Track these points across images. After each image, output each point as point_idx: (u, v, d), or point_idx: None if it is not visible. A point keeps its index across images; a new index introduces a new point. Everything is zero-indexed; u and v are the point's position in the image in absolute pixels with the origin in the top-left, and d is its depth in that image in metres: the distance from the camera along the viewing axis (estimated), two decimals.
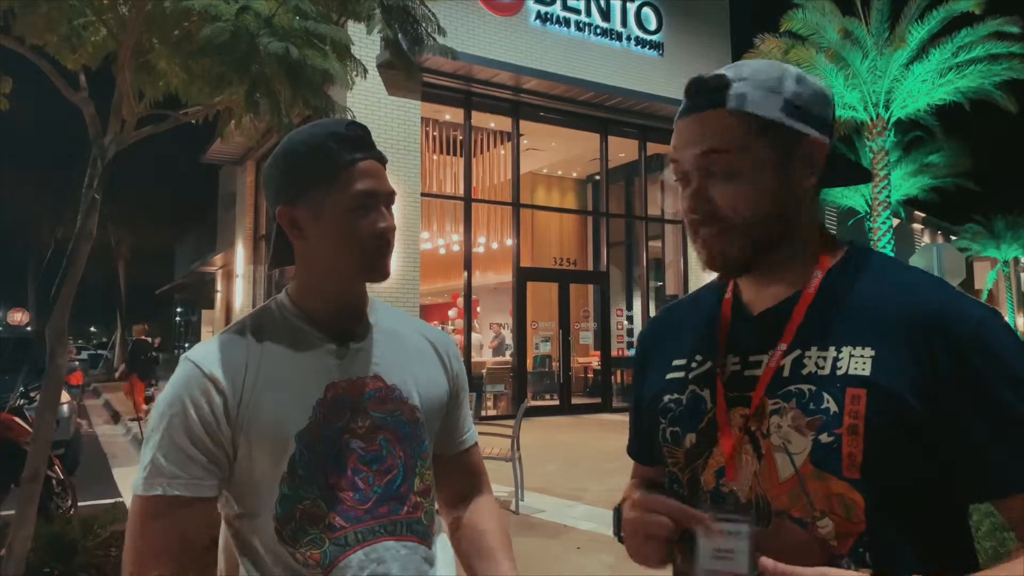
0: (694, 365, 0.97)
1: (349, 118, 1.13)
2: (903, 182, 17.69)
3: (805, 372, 0.85)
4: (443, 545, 1.19)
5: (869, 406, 0.80)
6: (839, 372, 0.83)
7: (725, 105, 0.88)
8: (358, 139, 1.08)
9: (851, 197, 18.22)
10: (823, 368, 0.84)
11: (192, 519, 1.01)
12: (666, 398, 0.99)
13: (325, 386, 1.08)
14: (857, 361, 0.83)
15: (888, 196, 12.93)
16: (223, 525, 1.11)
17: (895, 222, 13.98)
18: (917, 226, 28.13)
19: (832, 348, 0.85)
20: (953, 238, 29.32)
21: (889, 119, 12.88)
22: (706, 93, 0.89)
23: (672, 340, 1.04)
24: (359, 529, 1.05)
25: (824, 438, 0.81)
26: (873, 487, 0.80)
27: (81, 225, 3.64)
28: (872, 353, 0.82)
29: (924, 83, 12.50)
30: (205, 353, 1.08)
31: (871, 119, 12.89)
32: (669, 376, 1.00)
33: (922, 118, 13.54)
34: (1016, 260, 30.57)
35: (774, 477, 0.85)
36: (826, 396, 0.83)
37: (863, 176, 1.03)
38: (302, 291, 1.14)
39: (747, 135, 0.88)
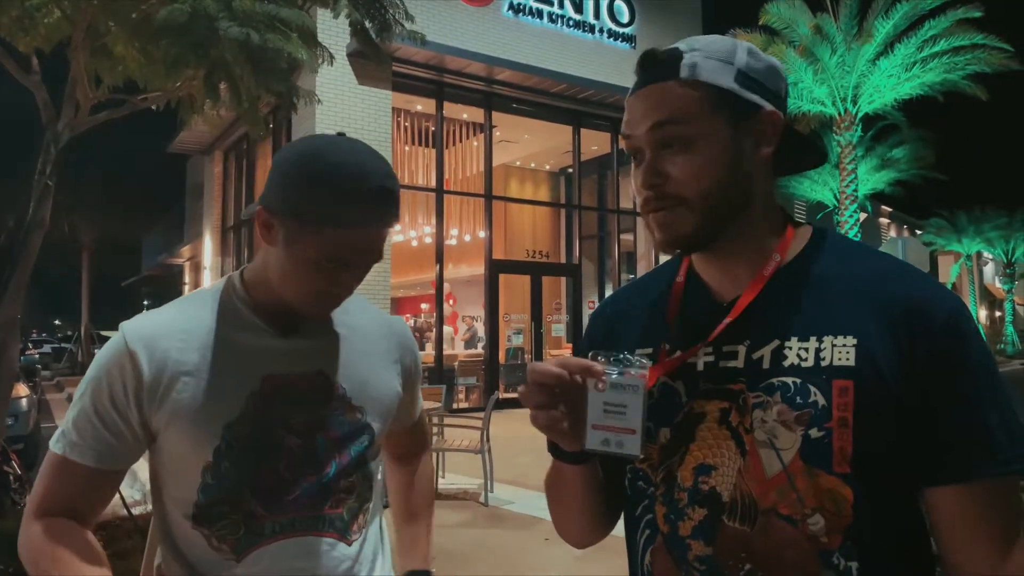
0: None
1: (383, 173, 1.00)
2: (870, 176, 17.97)
3: (787, 364, 0.82)
4: (375, 535, 1.16)
5: (857, 397, 0.78)
6: (823, 363, 0.81)
7: (678, 76, 0.85)
8: (370, 210, 0.98)
9: (819, 191, 18.46)
10: (806, 360, 0.82)
11: (87, 486, 1.02)
12: None
13: (262, 377, 1.03)
14: (841, 351, 0.80)
15: (855, 190, 13.13)
16: (154, 506, 1.09)
17: (862, 216, 14.22)
18: (884, 220, 28.64)
19: (813, 339, 0.82)
20: (919, 232, 29.91)
21: (857, 114, 13.06)
22: (658, 66, 0.87)
23: (628, 328, 0.98)
24: (280, 521, 1.02)
25: (814, 433, 0.79)
26: (863, 480, 0.78)
27: (33, 213, 3.53)
28: (855, 342, 0.80)
29: (890, 78, 12.70)
30: (137, 325, 1.04)
31: (839, 114, 13.05)
32: None
33: (889, 112, 13.76)
34: (979, 254, 31.31)
35: (760, 474, 0.81)
36: (813, 389, 0.80)
37: (816, 157, 0.97)
38: (255, 280, 1.08)
39: (700, 105, 0.85)
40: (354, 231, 0.98)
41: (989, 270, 36.58)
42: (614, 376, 0.79)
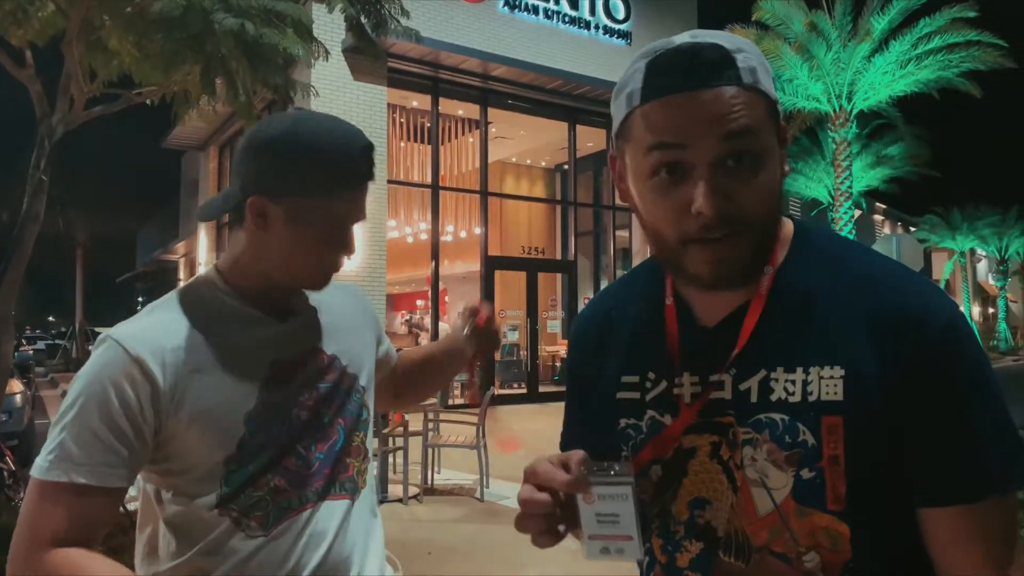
0: (648, 385, 0.87)
1: (359, 131, 1.07)
2: (864, 173, 18.02)
3: (774, 398, 0.78)
4: (370, 489, 1.21)
5: (847, 434, 0.75)
6: (811, 398, 0.76)
7: (740, 81, 0.74)
8: (366, 168, 1.05)
9: (814, 188, 18.51)
10: (793, 394, 0.77)
11: (93, 509, 0.96)
12: (623, 423, 0.89)
13: (270, 363, 1.07)
14: (828, 384, 0.76)
15: (850, 187, 13.17)
16: (144, 504, 1.07)
17: (857, 213, 14.26)
18: (878, 217, 28.72)
19: (800, 370, 0.78)
20: (912, 229, 30.00)
21: (852, 110, 13.09)
22: (708, 65, 0.73)
23: (615, 349, 0.93)
24: (304, 492, 1.07)
25: (805, 474, 0.76)
26: (859, 515, 0.75)
27: (27, 207, 3.52)
28: (842, 373, 0.75)
29: (885, 75, 12.73)
30: (131, 332, 1.00)
31: (834, 111, 13.08)
32: (621, 396, 0.89)
33: (884, 109, 13.80)
34: (972, 251, 31.43)
35: (752, 512, 0.79)
36: (801, 427, 0.76)
37: None
38: (240, 271, 1.09)
39: (766, 116, 0.75)
40: (358, 191, 1.05)
41: (982, 267, 36.72)
42: (600, 488, 0.77)
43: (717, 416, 0.82)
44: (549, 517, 0.78)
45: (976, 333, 0.80)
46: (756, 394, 0.80)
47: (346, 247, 1.08)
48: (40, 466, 0.95)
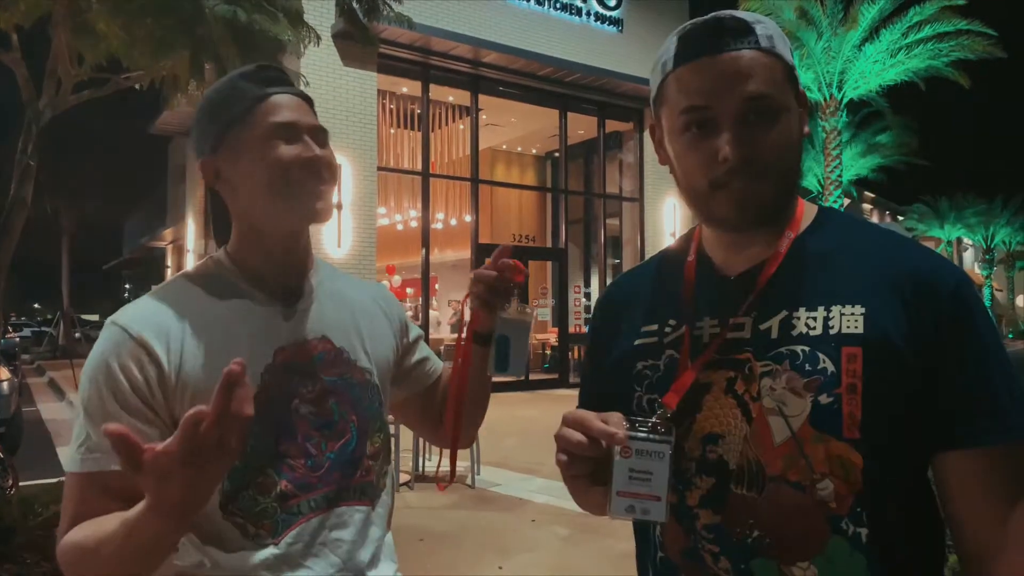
0: (668, 330, 0.94)
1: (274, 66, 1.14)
2: (854, 162, 18.09)
3: (795, 333, 0.84)
4: (389, 493, 1.16)
5: (866, 364, 0.80)
6: (832, 331, 0.82)
7: (759, 46, 0.84)
8: (269, 77, 1.07)
9: (805, 177, 18.56)
10: (814, 328, 0.83)
11: (137, 492, 0.93)
12: (640, 365, 0.94)
13: (274, 350, 1.03)
14: (849, 319, 0.82)
15: (840, 176, 13.22)
16: None
17: (846, 201, 14.33)
18: (867, 206, 28.85)
19: (821, 308, 0.84)
20: (900, 218, 30.18)
21: (842, 99, 13.12)
22: (729, 33, 0.85)
23: (635, 307, 1.00)
24: (313, 497, 1.01)
25: (824, 399, 0.80)
26: (872, 446, 0.79)
27: (15, 193, 3.48)
28: (863, 311, 0.82)
29: (876, 64, 12.76)
30: (134, 315, 1.00)
31: (825, 99, 13.11)
32: (639, 342, 0.96)
33: (873, 99, 13.85)
34: (959, 240, 31.68)
35: (768, 442, 0.83)
36: (822, 356, 0.81)
37: None
38: (241, 247, 1.08)
39: (783, 78, 0.86)
40: (275, 96, 1.04)
41: (969, 256, 37.02)
42: (639, 443, 0.78)
43: (734, 353, 0.87)
44: (582, 458, 0.80)
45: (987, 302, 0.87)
46: (777, 331, 0.85)
47: (306, 148, 1.02)
48: (74, 459, 0.94)
